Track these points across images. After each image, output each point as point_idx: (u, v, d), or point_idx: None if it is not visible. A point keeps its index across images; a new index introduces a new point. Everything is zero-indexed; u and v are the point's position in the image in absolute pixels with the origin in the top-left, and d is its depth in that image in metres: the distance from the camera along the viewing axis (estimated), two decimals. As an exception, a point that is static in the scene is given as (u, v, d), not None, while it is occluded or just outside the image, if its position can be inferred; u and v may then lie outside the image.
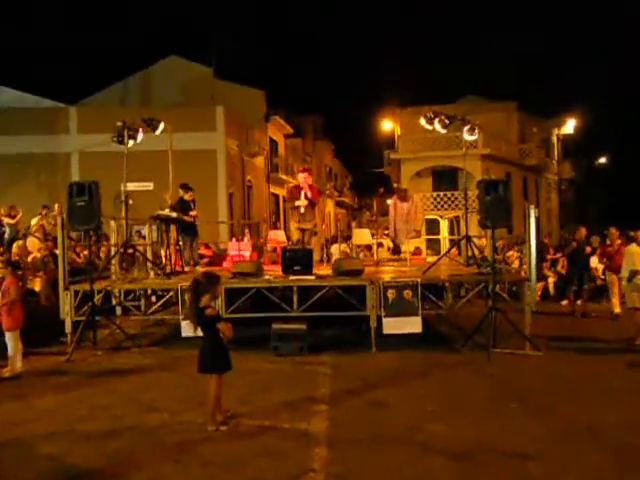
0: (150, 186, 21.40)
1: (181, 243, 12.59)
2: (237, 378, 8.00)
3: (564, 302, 14.58)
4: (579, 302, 13.47)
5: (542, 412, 6.35)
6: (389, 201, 14.40)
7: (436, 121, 10.82)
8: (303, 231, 11.86)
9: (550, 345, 9.56)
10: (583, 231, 14.17)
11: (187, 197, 12.71)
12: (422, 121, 10.99)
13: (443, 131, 11.05)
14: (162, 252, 12.92)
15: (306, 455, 5.24)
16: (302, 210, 11.69)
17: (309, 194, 11.65)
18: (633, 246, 9.92)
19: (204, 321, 5.83)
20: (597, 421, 5.96)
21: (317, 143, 44.75)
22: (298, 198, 11.70)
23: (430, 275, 10.29)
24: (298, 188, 11.89)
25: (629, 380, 7.67)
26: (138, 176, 15.40)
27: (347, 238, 19.24)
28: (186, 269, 12.33)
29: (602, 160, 47.14)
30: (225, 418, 6.05)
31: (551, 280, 15.61)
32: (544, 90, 66.50)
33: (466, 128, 10.85)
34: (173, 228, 12.53)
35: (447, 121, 10.81)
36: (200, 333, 5.95)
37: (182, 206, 12.52)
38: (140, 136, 11.23)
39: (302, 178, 11.85)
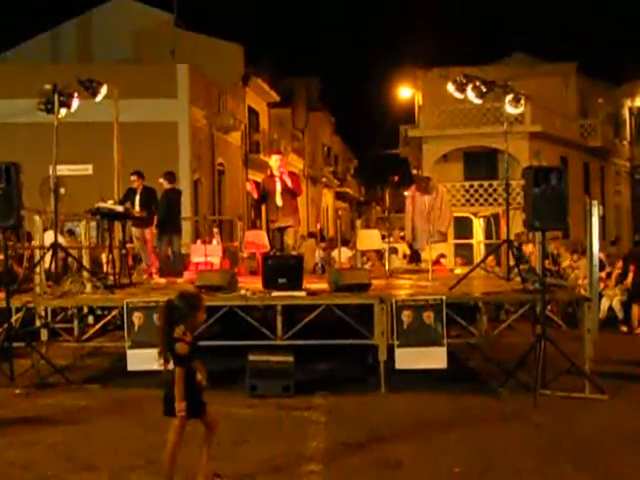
0: (88, 170, 21.45)
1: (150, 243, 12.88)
2: (200, 427, 8.03)
3: (624, 327, 15.08)
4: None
5: (605, 477, 6.35)
6: (406, 193, 14.46)
7: (469, 88, 10.85)
8: (282, 230, 12.02)
9: (617, 385, 9.58)
10: None
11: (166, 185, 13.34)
12: (450, 87, 11.01)
13: (478, 101, 11.08)
14: (103, 258, 12.93)
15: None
16: (279, 203, 11.85)
17: (289, 182, 11.83)
18: None
19: (175, 357, 5.78)
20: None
21: (312, 115, 44.85)
22: (272, 191, 11.88)
23: (459, 292, 10.32)
24: (272, 177, 12.06)
25: None
26: (73, 156, 15.45)
27: (347, 242, 19.29)
28: (155, 278, 12.55)
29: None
30: None
31: (618, 299, 15.73)
32: (612, 48, 66.77)
33: (509, 98, 10.88)
34: (119, 227, 12.61)
35: (484, 88, 10.84)
36: (161, 367, 5.96)
37: (134, 198, 12.81)
38: (75, 103, 11.22)
39: (276, 162, 12.14)
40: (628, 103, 39.37)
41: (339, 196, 54.20)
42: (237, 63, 32.26)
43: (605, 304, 15.36)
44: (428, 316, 9.46)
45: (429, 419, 8.34)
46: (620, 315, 15.59)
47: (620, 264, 16.32)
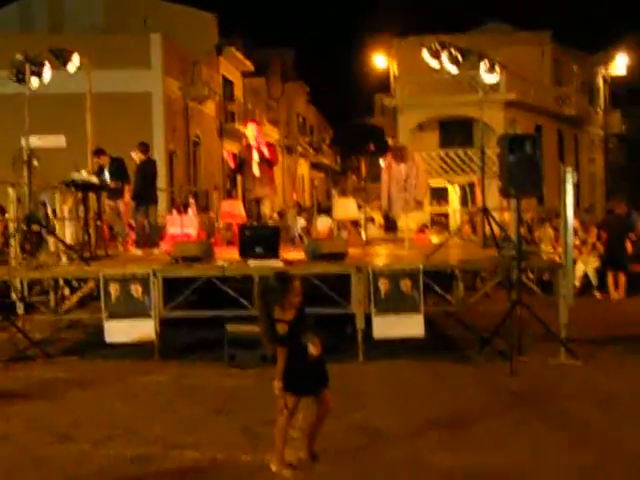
0: (62, 141, 21.17)
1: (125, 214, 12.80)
2: (180, 398, 8.09)
3: (598, 294, 15.32)
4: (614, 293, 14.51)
5: (581, 439, 6.46)
6: (382, 162, 14.44)
7: (444, 55, 10.83)
8: (258, 200, 12.02)
9: (591, 351, 9.70)
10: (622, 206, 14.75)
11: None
12: (425, 55, 10.99)
13: (453, 69, 11.05)
14: (79, 230, 12.85)
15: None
16: (256, 173, 11.83)
17: (266, 152, 11.80)
18: None
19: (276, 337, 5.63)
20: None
21: (287, 85, 44.61)
22: (249, 160, 11.84)
23: (436, 260, 10.36)
24: (249, 147, 12.02)
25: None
26: (45, 128, 15.21)
27: (326, 211, 19.25)
28: (131, 250, 12.52)
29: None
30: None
31: (592, 266, 15.85)
32: (587, 17, 66.74)
33: (484, 66, 10.88)
34: (94, 198, 12.55)
35: (459, 56, 10.83)
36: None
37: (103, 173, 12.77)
38: (47, 73, 11.10)
39: (252, 131, 12.12)
40: (602, 71, 39.41)
41: (315, 166, 54.03)
42: (211, 32, 31.95)
43: (580, 271, 15.50)
44: (405, 284, 9.50)
45: (407, 387, 8.43)
46: (595, 282, 15.74)
47: (594, 231, 16.46)
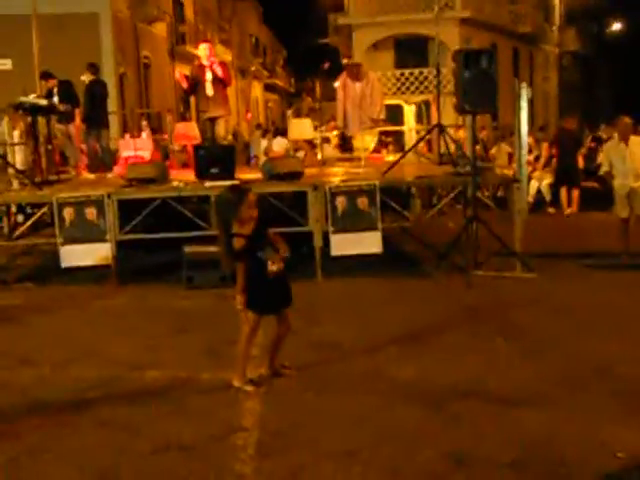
0: (7, 64, 20.61)
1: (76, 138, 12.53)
2: (141, 319, 8.10)
3: (551, 209, 15.62)
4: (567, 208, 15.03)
5: (535, 349, 6.61)
6: (337, 83, 14.29)
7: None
8: (213, 120, 11.90)
9: (546, 264, 9.88)
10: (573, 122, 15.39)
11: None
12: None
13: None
14: (29, 155, 12.61)
15: (234, 411, 5.35)
16: (210, 93, 11.68)
17: (219, 72, 11.62)
18: None
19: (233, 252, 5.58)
20: (606, 359, 6.23)
21: (238, 4, 43.65)
22: (202, 81, 11.66)
23: (392, 177, 10.36)
24: (201, 67, 11.82)
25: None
26: (-10, 50, 14.84)
27: (283, 133, 19.11)
28: (84, 174, 12.39)
29: (616, 27, 47.47)
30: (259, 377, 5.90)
31: (546, 182, 16.04)
32: None
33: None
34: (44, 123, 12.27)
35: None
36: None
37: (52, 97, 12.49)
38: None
39: (205, 50, 11.94)
40: (557, -13, 39.28)
41: (269, 88, 53.34)
42: (159, -50, 30.97)
43: (534, 187, 15.68)
44: (362, 202, 9.53)
45: (366, 303, 8.51)
46: (548, 197, 15.95)
47: (547, 148, 16.61)
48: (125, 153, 14.42)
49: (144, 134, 15.59)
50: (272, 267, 5.57)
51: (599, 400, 5.38)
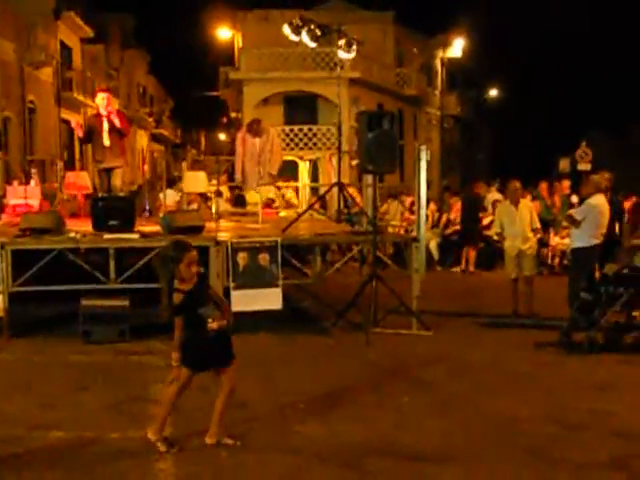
0: None
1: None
2: (35, 376, 7.78)
3: (455, 268, 16.26)
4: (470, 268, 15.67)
5: (441, 406, 6.76)
6: (237, 138, 14.38)
7: (304, 31, 10.89)
8: (109, 171, 11.76)
9: (441, 322, 10.14)
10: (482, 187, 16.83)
11: None
12: (286, 30, 11.01)
13: (312, 45, 11.17)
14: None
15: (148, 474, 5.24)
16: (107, 143, 11.56)
17: (117, 122, 11.53)
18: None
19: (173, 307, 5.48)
20: (507, 416, 6.44)
21: (127, 53, 43.44)
22: (99, 130, 11.54)
23: (293, 234, 10.43)
24: (99, 117, 11.71)
25: (536, 363, 8.33)
26: None
27: (172, 184, 18.97)
28: None
29: (493, 93, 49.73)
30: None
31: (434, 242, 16.61)
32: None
33: (342, 42, 11.05)
34: None
35: (319, 32, 10.93)
36: None
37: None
38: None
39: (103, 100, 11.81)
40: (440, 54, 40.85)
41: (155, 138, 52.94)
42: (48, -5, 30.56)
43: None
44: (263, 258, 9.55)
45: (267, 359, 8.48)
46: (436, 257, 16.52)
47: (434, 209, 17.42)
48: (13, 201, 13.93)
49: (33, 182, 15.11)
50: (212, 325, 5.50)
51: (509, 455, 5.54)
